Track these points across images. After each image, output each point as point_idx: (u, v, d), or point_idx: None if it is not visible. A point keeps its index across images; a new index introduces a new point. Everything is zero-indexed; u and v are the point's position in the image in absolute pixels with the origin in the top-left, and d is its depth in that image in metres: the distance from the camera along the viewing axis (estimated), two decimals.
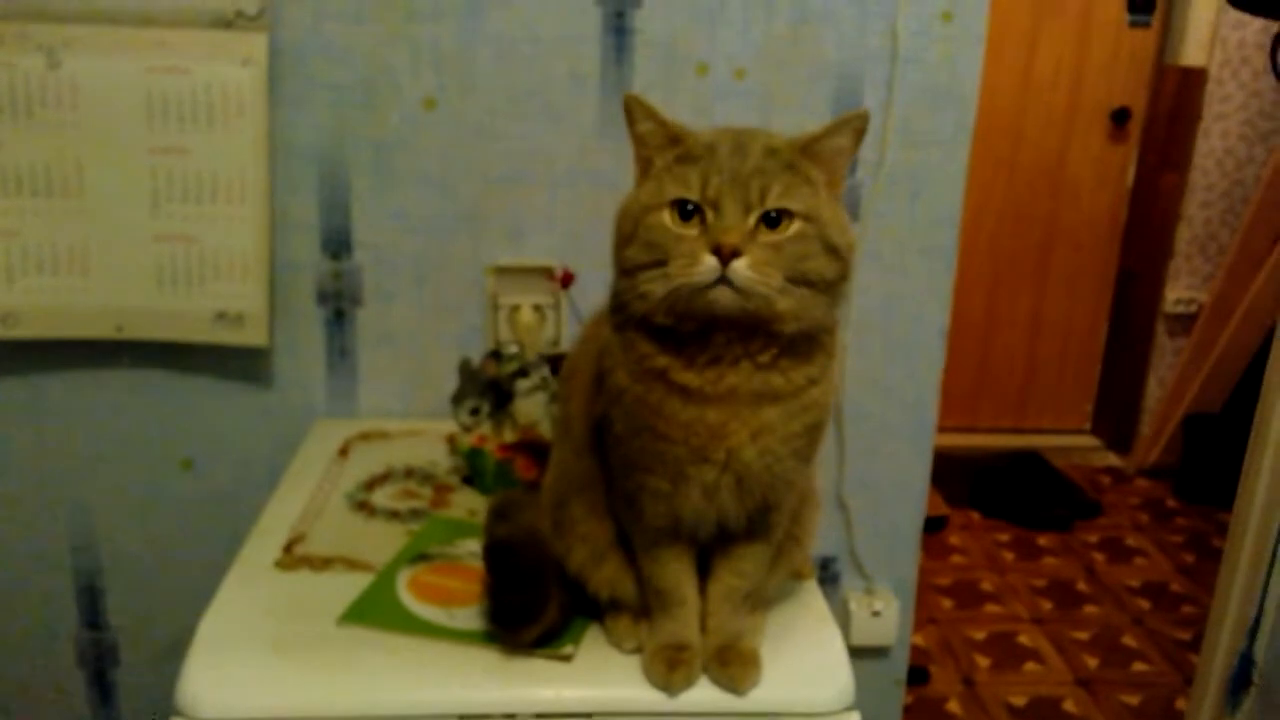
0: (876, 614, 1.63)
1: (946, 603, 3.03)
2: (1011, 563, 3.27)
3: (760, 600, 1.01)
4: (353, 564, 1.11)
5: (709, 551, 0.96)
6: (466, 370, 1.31)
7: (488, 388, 1.29)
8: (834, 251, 0.83)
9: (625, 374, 0.88)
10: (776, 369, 0.86)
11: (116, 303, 1.42)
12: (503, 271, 1.49)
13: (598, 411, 0.93)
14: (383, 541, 1.15)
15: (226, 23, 1.36)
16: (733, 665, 0.94)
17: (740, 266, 0.81)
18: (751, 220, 0.82)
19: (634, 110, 0.88)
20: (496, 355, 1.33)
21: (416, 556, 1.12)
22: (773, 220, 0.82)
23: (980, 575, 3.18)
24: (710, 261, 0.81)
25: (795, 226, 0.82)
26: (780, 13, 1.43)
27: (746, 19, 1.43)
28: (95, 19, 1.35)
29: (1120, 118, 3.75)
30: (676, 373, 0.86)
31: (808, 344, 0.87)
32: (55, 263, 1.40)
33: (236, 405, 1.52)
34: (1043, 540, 3.39)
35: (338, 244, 1.48)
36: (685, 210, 0.83)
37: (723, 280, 0.81)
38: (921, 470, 1.62)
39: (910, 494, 1.63)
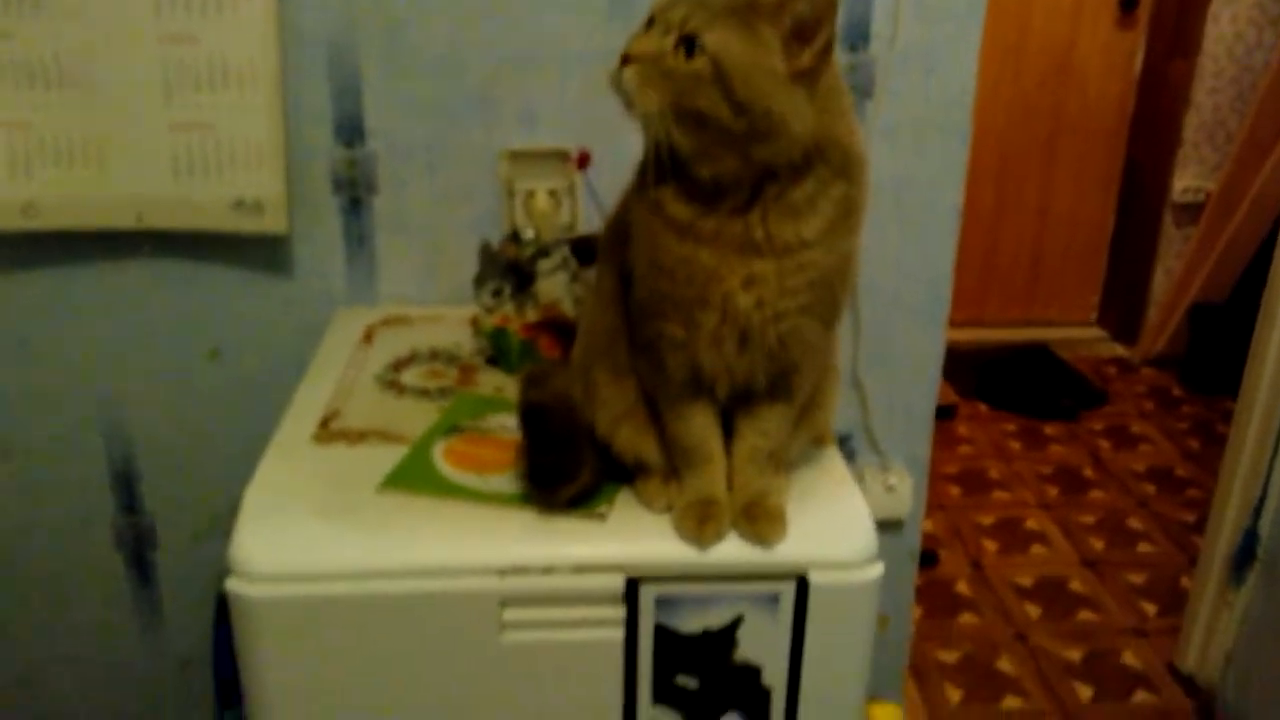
0: (891, 488, 1.66)
1: (954, 490, 3.09)
2: (1018, 451, 3.32)
3: (784, 461, 1.03)
4: (387, 437, 1.13)
5: (733, 413, 0.98)
6: (487, 253, 1.32)
7: (508, 270, 1.31)
8: (737, 105, 0.83)
9: (640, 208, 0.91)
10: (757, 220, 0.88)
11: (135, 192, 1.42)
12: (516, 156, 1.48)
13: (621, 256, 0.96)
14: (415, 416, 1.18)
15: None
16: (759, 521, 0.97)
17: (627, 74, 0.84)
18: (668, 41, 0.84)
19: None
20: (515, 238, 1.34)
21: (450, 429, 1.15)
22: (690, 51, 0.83)
23: (988, 464, 3.24)
24: (616, 64, 0.85)
25: (699, 63, 0.83)
26: None
27: None
28: None
29: (1128, 3, 3.70)
30: (669, 204, 0.89)
31: (792, 200, 0.88)
32: (71, 154, 1.40)
33: (258, 294, 1.54)
34: (1049, 429, 3.45)
35: (350, 131, 1.47)
36: (648, 23, 0.87)
37: (619, 84, 0.85)
38: (935, 349, 1.64)
39: (924, 372, 1.65)
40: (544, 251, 1.30)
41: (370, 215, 1.51)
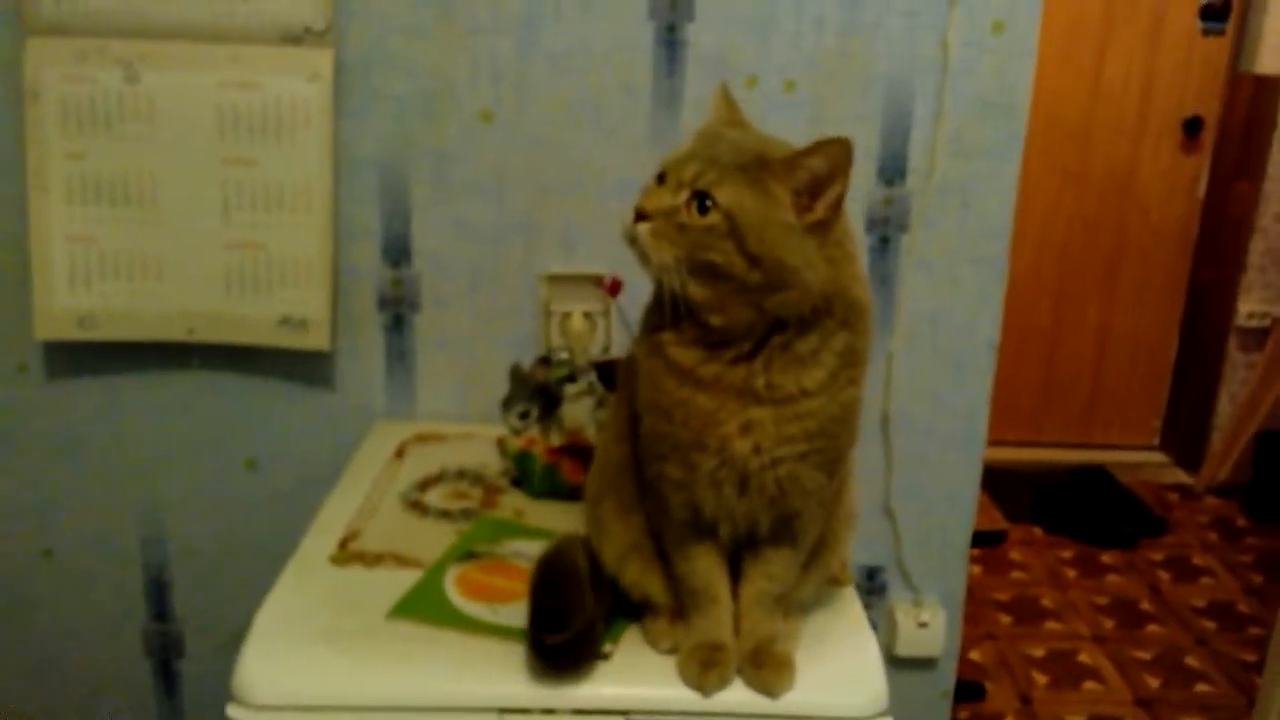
0: (923, 625, 1.62)
1: (1005, 619, 2.99)
2: (1074, 580, 3.22)
3: (795, 605, 1.02)
4: (403, 560, 1.15)
5: (740, 556, 0.98)
6: (517, 375, 1.35)
7: (536, 392, 1.33)
8: (751, 257, 0.85)
9: (645, 346, 0.93)
10: (759, 369, 0.89)
11: (188, 307, 1.48)
12: (555, 279, 1.52)
13: (631, 392, 0.97)
14: (433, 540, 1.19)
15: (295, 39, 1.42)
16: (766, 668, 0.96)
17: (641, 229, 0.87)
18: (681, 197, 0.86)
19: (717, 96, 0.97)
20: (546, 361, 1.37)
21: (465, 555, 1.16)
22: (702, 206, 0.85)
23: (1041, 591, 3.14)
24: (629, 218, 0.88)
25: (713, 218, 0.85)
26: (830, 25, 1.44)
27: (797, 31, 1.45)
28: (171, 35, 1.41)
29: (1192, 127, 3.67)
30: (672, 347, 0.90)
31: (797, 351, 0.88)
32: (130, 268, 1.47)
33: (300, 407, 1.57)
34: (1106, 558, 3.33)
35: (398, 252, 1.52)
36: (660, 176, 0.89)
37: (634, 239, 0.87)
38: (971, 481, 1.62)
39: (959, 505, 1.63)
40: (571, 376, 1.32)
41: (412, 332, 1.56)
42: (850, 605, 1.10)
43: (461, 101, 1.47)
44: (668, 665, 0.98)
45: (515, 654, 0.98)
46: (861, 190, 1.49)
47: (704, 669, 0.95)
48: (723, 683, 0.95)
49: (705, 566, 0.96)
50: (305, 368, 1.55)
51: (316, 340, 1.49)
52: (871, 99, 1.47)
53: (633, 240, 0.88)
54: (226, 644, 1.63)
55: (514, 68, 1.46)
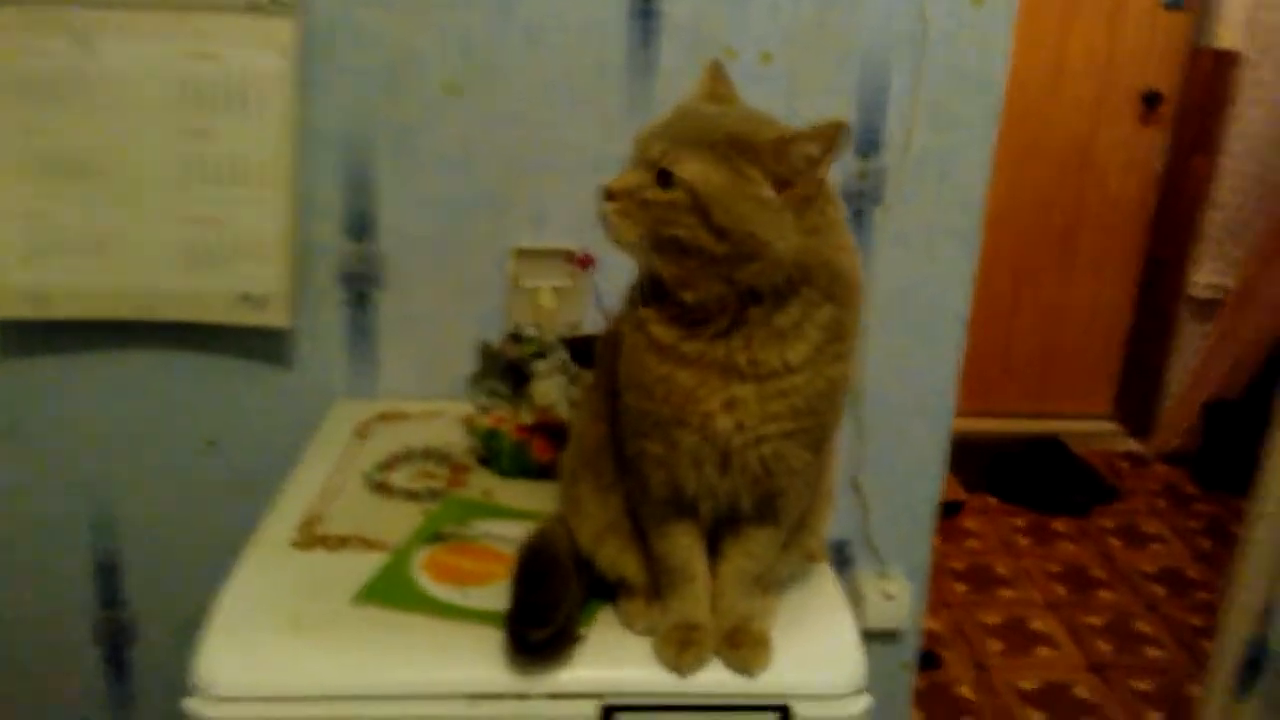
0: (889, 597, 1.64)
1: (960, 587, 3.04)
2: (1027, 548, 3.27)
3: (772, 583, 1.02)
4: (369, 543, 1.13)
5: (720, 534, 0.97)
6: (486, 352, 1.33)
7: (506, 369, 1.31)
8: (717, 230, 0.84)
9: (628, 323, 0.92)
10: (740, 344, 0.88)
11: (143, 283, 1.44)
12: (524, 254, 1.49)
13: (612, 369, 0.96)
14: (399, 521, 1.17)
15: (259, 8, 1.37)
16: (743, 647, 0.95)
17: (607, 208, 0.87)
18: (647, 175, 0.86)
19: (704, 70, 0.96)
20: (516, 337, 1.35)
21: (432, 536, 1.14)
22: (666, 182, 0.85)
23: (995, 560, 3.19)
24: (601, 196, 0.87)
25: (675, 192, 0.84)
26: None
27: (774, 3, 1.42)
28: (128, 4, 1.36)
29: (1152, 101, 3.71)
30: (653, 324, 0.90)
31: (777, 325, 0.88)
32: (84, 244, 1.42)
33: (258, 386, 1.54)
34: (1059, 525, 3.39)
35: (361, 227, 1.49)
36: (634, 160, 0.89)
37: (604, 218, 0.87)
38: (938, 455, 1.62)
39: (926, 478, 1.64)
40: (541, 353, 1.30)
41: (375, 310, 1.53)
42: (825, 582, 1.10)
43: (429, 74, 1.43)
44: (643, 646, 0.97)
45: (486, 638, 0.97)
46: (837, 163, 1.47)
47: (681, 649, 0.95)
48: (700, 663, 0.95)
49: (684, 545, 0.96)
50: (264, 346, 1.52)
51: (276, 317, 1.46)
52: (849, 72, 1.46)
53: (603, 219, 0.87)
54: (181, 631, 1.60)
55: (484, 40, 1.42)
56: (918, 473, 1.63)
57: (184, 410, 1.55)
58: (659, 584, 0.98)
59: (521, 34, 1.42)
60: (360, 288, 1.52)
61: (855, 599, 1.65)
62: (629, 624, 1.00)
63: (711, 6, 1.43)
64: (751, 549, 0.97)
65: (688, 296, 0.87)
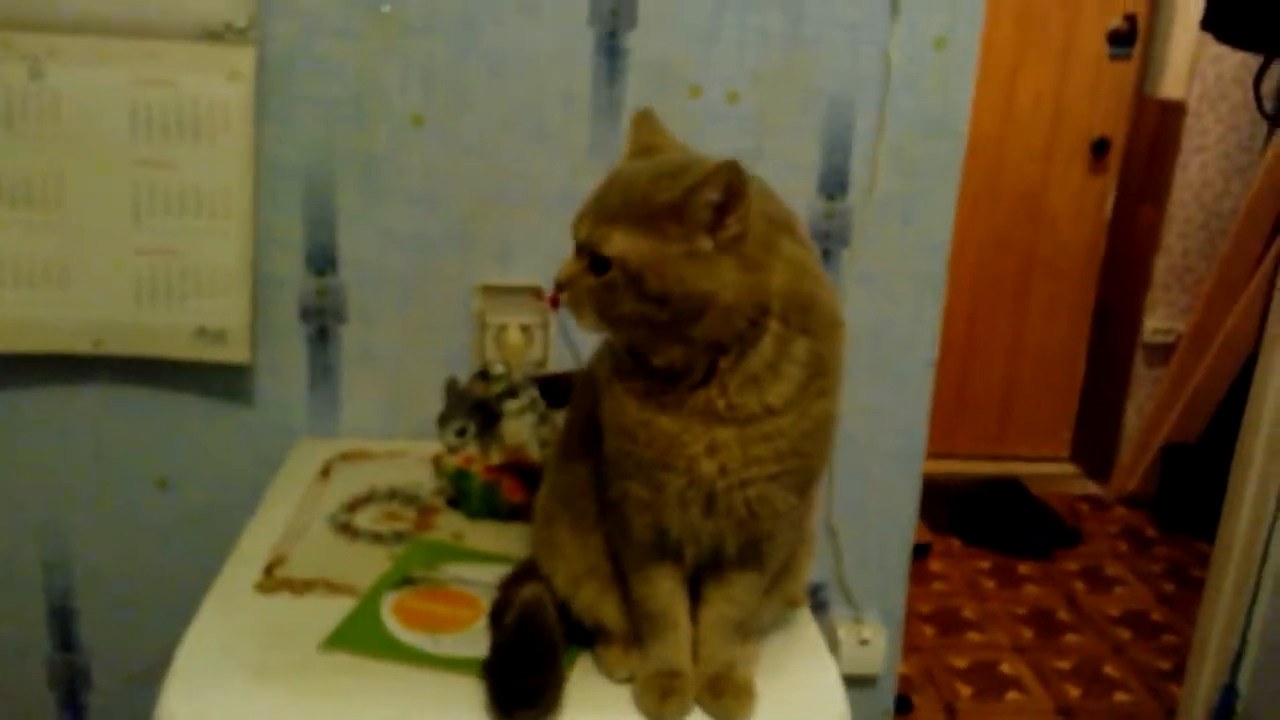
0: (864, 643, 1.61)
1: (929, 630, 3.01)
2: (993, 590, 3.26)
3: (754, 629, 0.99)
4: (335, 587, 1.08)
5: (702, 579, 0.94)
6: (453, 390, 1.29)
7: (475, 408, 1.27)
8: (656, 299, 0.82)
9: (606, 366, 0.90)
10: (718, 392, 0.85)
11: (95, 317, 1.39)
12: (490, 290, 1.47)
13: (591, 408, 0.93)
14: (366, 564, 1.13)
15: (215, 35, 1.34)
16: (726, 695, 0.92)
17: (564, 300, 0.87)
18: (582, 261, 0.85)
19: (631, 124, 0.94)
20: (484, 375, 1.31)
21: (400, 580, 1.09)
22: (598, 265, 0.84)
23: (962, 603, 3.17)
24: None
25: (611, 273, 0.83)
26: (774, 37, 1.42)
27: (741, 42, 1.42)
28: (81, 29, 1.32)
29: (1100, 149, 3.77)
30: (634, 375, 0.88)
31: (750, 368, 0.85)
32: (33, 275, 1.37)
33: (216, 423, 1.49)
34: (1023, 568, 3.39)
35: (322, 260, 1.46)
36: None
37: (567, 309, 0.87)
38: (910, 498, 1.61)
39: (899, 522, 1.62)
40: (512, 391, 1.27)
41: (337, 346, 1.49)
42: (806, 627, 1.07)
43: (392, 105, 1.41)
44: (623, 695, 0.93)
45: (459, 687, 0.93)
46: (803, 203, 1.47)
47: (663, 698, 0.91)
48: (682, 712, 0.91)
49: (666, 589, 0.92)
50: (222, 382, 1.47)
51: (235, 353, 1.41)
52: (814, 112, 1.46)
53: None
54: (138, 676, 1.56)
55: (448, 71, 1.40)
56: (890, 516, 1.61)
57: (139, 449, 1.51)
58: (639, 630, 0.95)
59: (484, 65, 1.40)
60: (322, 322, 1.48)
61: (831, 645, 1.61)
62: (608, 672, 0.96)
63: (678, 43, 1.42)
64: (734, 594, 0.93)
65: (657, 362, 0.86)
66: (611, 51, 1.41)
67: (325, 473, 1.37)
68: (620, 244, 0.82)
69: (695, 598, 0.94)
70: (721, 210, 0.82)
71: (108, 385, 1.47)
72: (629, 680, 0.94)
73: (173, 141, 1.35)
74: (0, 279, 1.36)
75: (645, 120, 0.94)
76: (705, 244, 0.82)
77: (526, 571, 1.01)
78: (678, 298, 0.82)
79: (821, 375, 0.88)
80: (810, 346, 0.87)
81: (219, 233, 1.38)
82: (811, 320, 0.87)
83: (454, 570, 1.12)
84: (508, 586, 1.01)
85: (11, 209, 1.36)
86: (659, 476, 0.87)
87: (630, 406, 0.87)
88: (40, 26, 1.32)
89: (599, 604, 0.96)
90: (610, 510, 0.93)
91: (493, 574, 1.06)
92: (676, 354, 0.85)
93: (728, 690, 0.92)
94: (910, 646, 2.88)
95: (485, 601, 1.02)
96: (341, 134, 1.41)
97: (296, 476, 1.35)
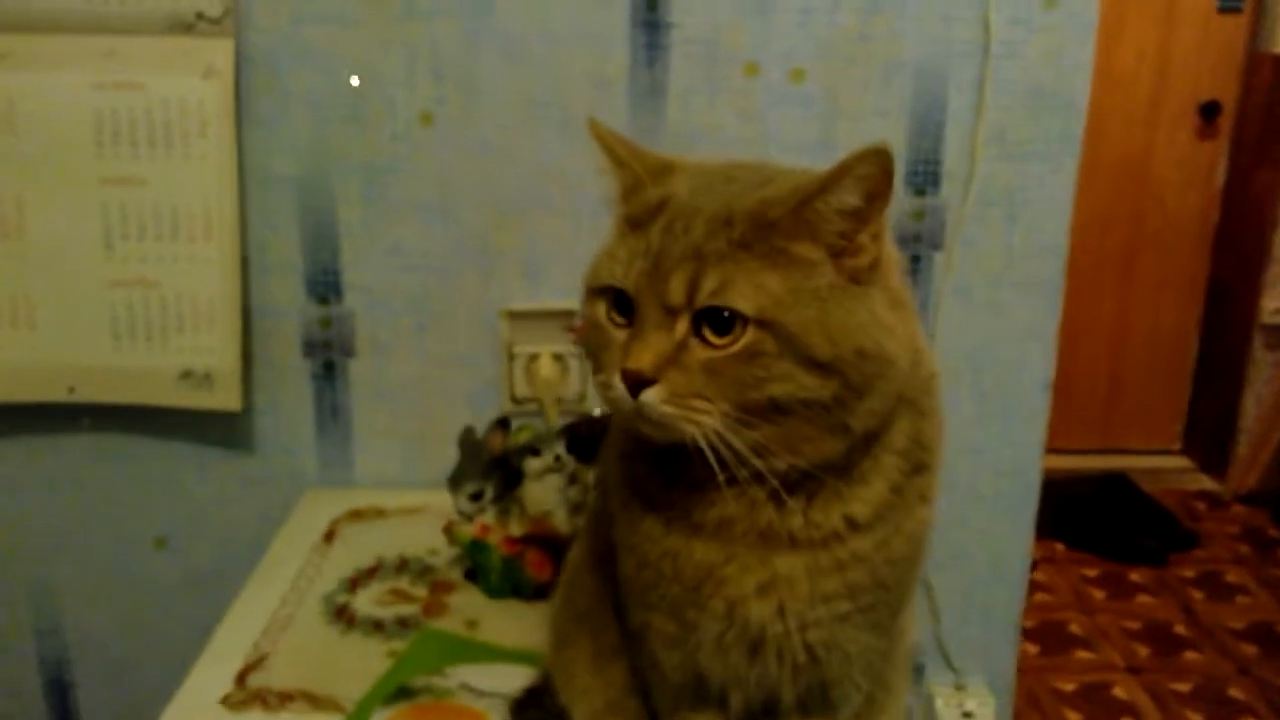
0: (968, 715, 1.39)
1: (1032, 648, 2.80)
2: (1101, 602, 3.03)
3: None
4: (317, 702, 0.91)
5: None
6: (468, 443, 1.09)
7: (493, 466, 1.07)
8: (823, 367, 0.58)
9: (615, 469, 0.69)
10: (798, 505, 0.62)
11: (68, 360, 1.24)
12: (517, 316, 1.30)
13: (605, 505, 0.73)
14: (360, 665, 0.96)
15: (185, 27, 1.18)
16: None
17: (652, 399, 0.59)
18: (680, 327, 0.59)
19: (595, 141, 0.67)
20: (504, 424, 1.11)
21: (396, 693, 0.90)
22: (720, 323, 0.58)
23: (1068, 616, 2.95)
24: (620, 388, 0.59)
25: (747, 335, 0.58)
26: (846, 1, 1.21)
27: (806, 8, 1.22)
28: (33, 27, 1.17)
29: (1209, 112, 3.52)
30: (654, 486, 0.64)
31: (843, 470, 0.62)
32: None
33: (215, 475, 1.36)
34: (1135, 575, 3.16)
35: (325, 286, 1.31)
36: (623, 301, 0.62)
37: (642, 414, 0.59)
38: (1022, 547, 1.40)
39: (1008, 574, 1.41)
40: (534, 447, 1.06)
41: (346, 383, 1.35)
42: None
43: (395, 102, 1.25)
44: None
45: None
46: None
47: None
48: None
49: None
50: (219, 428, 1.33)
51: (224, 398, 1.24)
52: (897, 90, 1.26)
53: (639, 415, 0.60)
54: None
55: (459, 60, 1.24)
56: (998, 568, 1.41)
57: (130, 504, 1.39)
58: None
59: (501, 50, 1.24)
60: (328, 357, 1.34)
61: (927, 717, 1.40)
62: None
63: (729, 13, 1.23)
64: None
65: (780, 466, 0.60)
66: (651, 26, 1.23)
67: (329, 536, 1.20)
68: (757, 288, 0.58)
69: None
70: (859, 219, 0.59)
71: (92, 435, 1.34)
72: None
73: (143, 153, 1.20)
74: None
75: (614, 135, 0.69)
76: (839, 275, 0.60)
77: (543, 690, 0.81)
78: (849, 360, 0.58)
79: (922, 470, 0.65)
80: (914, 427, 0.65)
81: (201, 259, 1.22)
82: (914, 386, 0.65)
83: (463, 675, 0.94)
84: (519, 711, 0.80)
85: None
86: (689, 615, 0.65)
87: (653, 530, 0.65)
88: None
89: None
90: (633, 638, 0.72)
91: (508, 679, 0.90)
92: (829, 449, 0.60)
93: None
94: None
95: None
96: (339, 137, 1.26)
97: (296, 541, 1.20)
